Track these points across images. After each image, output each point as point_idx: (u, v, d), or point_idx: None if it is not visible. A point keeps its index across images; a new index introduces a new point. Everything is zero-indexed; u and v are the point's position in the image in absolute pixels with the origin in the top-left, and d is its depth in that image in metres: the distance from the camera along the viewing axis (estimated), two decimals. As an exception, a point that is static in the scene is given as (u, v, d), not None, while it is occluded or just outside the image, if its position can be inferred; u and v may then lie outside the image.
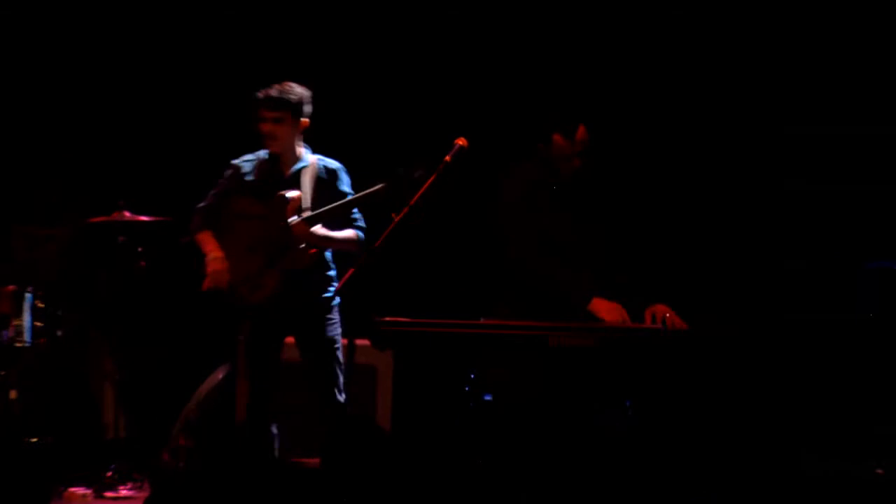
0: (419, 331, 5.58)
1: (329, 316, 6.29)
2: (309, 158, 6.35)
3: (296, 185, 6.30)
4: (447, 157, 5.66)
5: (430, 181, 5.59)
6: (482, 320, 5.70)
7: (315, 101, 6.37)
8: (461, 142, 5.71)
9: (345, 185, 6.36)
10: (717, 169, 7.27)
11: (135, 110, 8.12)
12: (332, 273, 6.39)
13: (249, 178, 6.33)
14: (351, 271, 5.58)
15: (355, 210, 6.31)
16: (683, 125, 7.31)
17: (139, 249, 7.40)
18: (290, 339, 6.36)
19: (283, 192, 6.19)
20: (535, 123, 5.89)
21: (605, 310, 5.62)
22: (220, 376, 7.26)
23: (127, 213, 7.23)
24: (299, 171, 6.31)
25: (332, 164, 6.38)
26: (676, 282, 6.01)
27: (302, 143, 6.38)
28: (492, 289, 5.99)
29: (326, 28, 7.95)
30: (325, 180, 6.32)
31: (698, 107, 7.32)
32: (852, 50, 7.11)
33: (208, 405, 7.17)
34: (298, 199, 6.19)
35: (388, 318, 5.67)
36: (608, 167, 5.95)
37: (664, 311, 5.65)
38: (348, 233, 6.29)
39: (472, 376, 5.89)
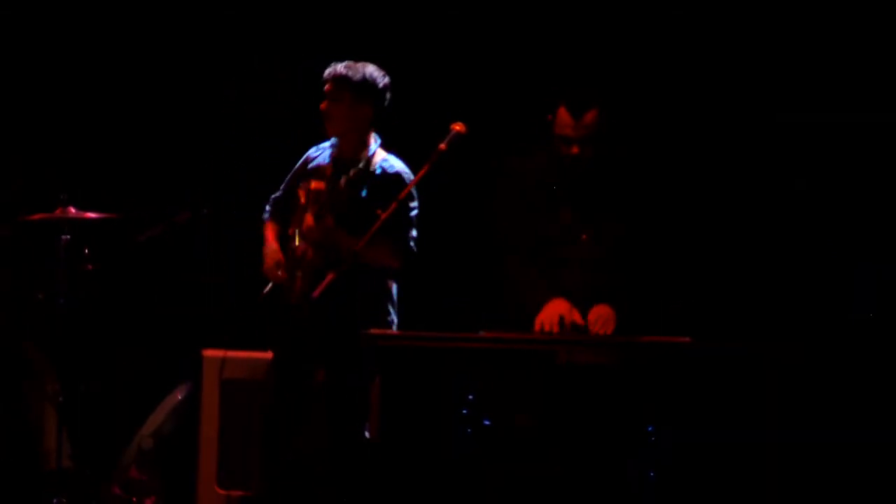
0: (409, 345, 5.55)
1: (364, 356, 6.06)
2: (374, 154, 6.16)
3: (336, 176, 6.13)
4: (442, 145, 5.59)
5: (422, 172, 5.56)
6: (482, 333, 5.61)
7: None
8: (458, 127, 5.66)
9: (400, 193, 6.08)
10: (724, 170, 7.38)
11: (78, 91, 7.97)
12: (389, 306, 6.17)
13: (314, 164, 6.26)
14: (331, 276, 5.52)
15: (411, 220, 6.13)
16: (698, 125, 7.42)
17: (86, 251, 7.25)
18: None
19: (312, 181, 6.10)
20: (546, 96, 5.89)
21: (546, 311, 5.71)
22: (180, 397, 7.18)
23: (72, 209, 7.05)
24: (344, 162, 6.15)
25: (393, 167, 6.16)
26: (677, 285, 6.07)
27: (372, 136, 6.20)
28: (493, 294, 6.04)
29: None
30: (378, 184, 6.10)
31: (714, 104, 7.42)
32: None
33: (166, 431, 7.10)
34: (321, 190, 6.04)
35: (373, 331, 5.68)
36: (615, 164, 5.91)
37: (599, 317, 5.70)
38: (377, 245, 6.00)
39: (471, 397, 5.73)
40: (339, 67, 6.09)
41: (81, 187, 7.28)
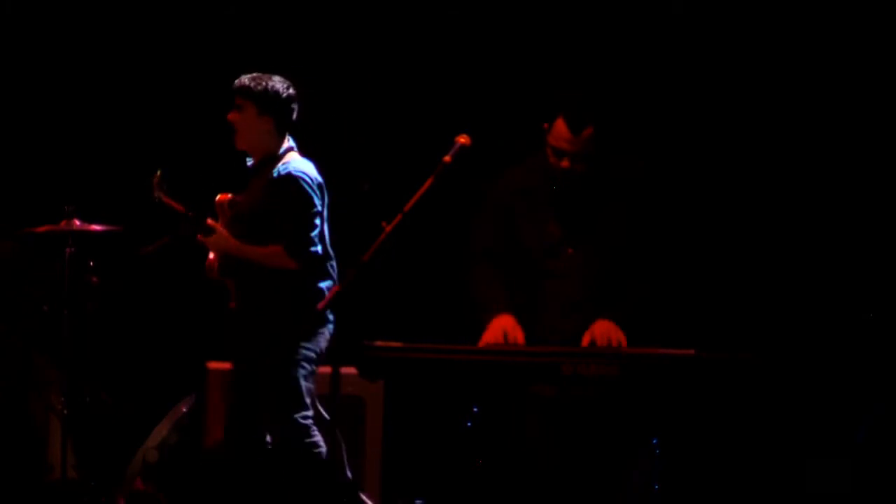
0: (415, 357, 5.53)
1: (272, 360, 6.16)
2: (279, 159, 6.25)
3: (247, 184, 6.30)
4: (447, 158, 5.54)
5: (427, 185, 5.49)
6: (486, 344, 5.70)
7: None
8: (463, 140, 5.61)
9: (288, 197, 6.17)
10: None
11: (83, 103, 8.07)
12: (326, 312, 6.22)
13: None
14: (336, 288, 5.58)
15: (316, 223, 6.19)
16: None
17: (90, 263, 7.32)
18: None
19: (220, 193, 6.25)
20: (544, 105, 5.88)
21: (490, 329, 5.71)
22: (184, 410, 7.23)
23: (77, 222, 7.12)
24: (254, 170, 6.29)
25: (287, 167, 6.23)
26: (675, 297, 6.08)
27: (283, 144, 6.28)
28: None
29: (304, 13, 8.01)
30: (273, 188, 6.21)
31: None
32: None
33: (170, 443, 7.14)
34: (223, 201, 6.21)
35: (378, 343, 5.64)
36: (609, 178, 5.85)
37: (607, 332, 5.67)
38: (270, 248, 6.14)
39: (476, 409, 5.83)
40: (245, 79, 6.20)
41: (86, 199, 7.31)
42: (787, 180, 7.39)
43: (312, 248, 6.17)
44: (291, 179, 6.17)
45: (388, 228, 5.61)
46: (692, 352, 5.52)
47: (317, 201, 6.19)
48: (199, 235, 6.17)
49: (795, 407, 6.69)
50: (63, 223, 7.10)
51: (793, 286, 7.30)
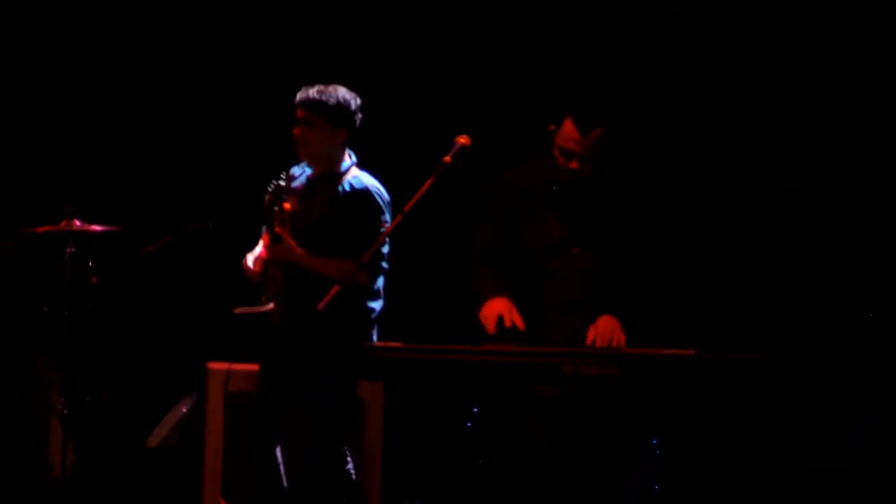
0: (415, 357, 5.54)
1: (316, 381, 6.10)
2: (346, 172, 6.20)
3: (308, 195, 6.20)
4: (447, 158, 5.62)
5: (427, 185, 5.56)
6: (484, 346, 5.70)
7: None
8: (463, 140, 5.68)
9: (361, 210, 6.13)
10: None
11: (84, 103, 8.08)
12: (369, 327, 6.20)
13: (295, 184, 6.28)
14: (335, 289, 5.57)
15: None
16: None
17: (91, 263, 7.32)
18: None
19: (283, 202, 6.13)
20: (552, 103, 5.88)
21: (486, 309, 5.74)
22: (184, 410, 7.29)
23: (77, 222, 7.13)
24: (316, 180, 6.20)
25: (361, 182, 6.18)
26: (678, 297, 6.11)
27: (346, 156, 6.24)
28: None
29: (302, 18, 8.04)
30: (345, 200, 6.14)
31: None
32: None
33: (171, 443, 7.22)
34: (286, 210, 6.08)
35: (378, 343, 5.77)
36: (613, 178, 5.86)
37: (609, 330, 5.68)
38: (340, 261, 6.03)
39: (476, 409, 5.86)
40: (312, 92, 6.09)
41: (87, 199, 7.32)
42: (787, 180, 7.41)
43: (383, 264, 6.14)
44: (367, 194, 6.13)
45: (388, 229, 5.71)
46: (692, 352, 5.53)
47: (388, 218, 6.14)
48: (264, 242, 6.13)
49: (795, 407, 6.70)
50: (63, 223, 7.10)
51: (793, 286, 7.33)
